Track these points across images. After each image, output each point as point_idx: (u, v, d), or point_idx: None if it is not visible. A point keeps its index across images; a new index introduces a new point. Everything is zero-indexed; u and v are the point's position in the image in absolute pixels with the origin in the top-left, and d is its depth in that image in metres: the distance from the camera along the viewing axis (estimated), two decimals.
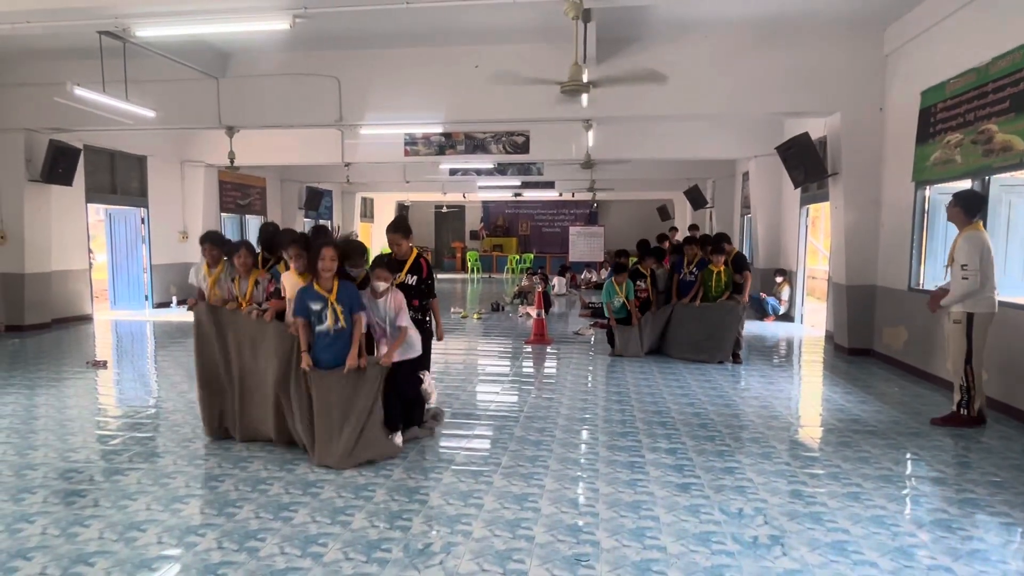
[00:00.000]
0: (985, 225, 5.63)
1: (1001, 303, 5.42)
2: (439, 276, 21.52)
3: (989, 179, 5.71)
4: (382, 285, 4.18)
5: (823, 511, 3.43)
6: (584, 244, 22.34)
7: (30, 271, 9.61)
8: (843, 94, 7.70)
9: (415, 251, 4.64)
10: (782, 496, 3.63)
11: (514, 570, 2.80)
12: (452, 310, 12.27)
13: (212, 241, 4.64)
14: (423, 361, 4.62)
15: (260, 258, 4.85)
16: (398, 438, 4.33)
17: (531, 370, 7.20)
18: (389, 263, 4.26)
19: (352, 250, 4.38)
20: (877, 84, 7.63)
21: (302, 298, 4.02)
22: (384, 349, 4.25)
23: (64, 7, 4.44)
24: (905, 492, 3.73)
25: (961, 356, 4.84)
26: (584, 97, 5.74)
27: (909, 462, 4.24)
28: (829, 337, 8.80)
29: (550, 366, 7.40)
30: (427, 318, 4.68)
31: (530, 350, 8.29)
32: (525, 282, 14.16)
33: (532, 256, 23.12)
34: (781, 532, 3.18)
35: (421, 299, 4.57)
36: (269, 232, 5.01)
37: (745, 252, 13.91)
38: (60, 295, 10.29)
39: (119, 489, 3.67)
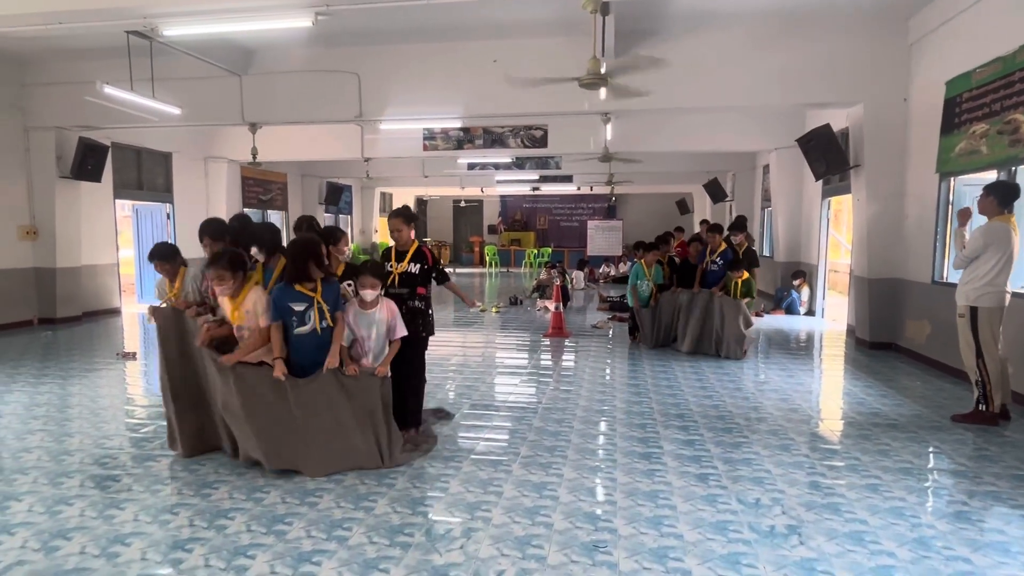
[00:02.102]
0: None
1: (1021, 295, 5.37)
2: (458, 271, 21.63)
3: (1015, 170, 5.62)
4: (369, 294, 3.88)
5: (841, 502, 3.44)
6: (602, 238, 22.31)
7: (61, 265, 9.87)
8: (866, 85, 7.60)
9: (415, 242, 4.51)
10: (800, 487, 3.64)
11: (533, 555, 2.86)
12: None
13: (161, 258, 4.21)
14: (419, 345, 4.43)
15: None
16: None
17: (549, 363, 7.25)
18: (372, 268, 3.94)
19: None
20: (901, 74, 7.52)
21: (282, 299, 3.72)
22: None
23: (95, 8, 4.57)
24: (925, 484, 3.73)
25: (971, 351, 4.79)
26: (603, 90, 5.76)
27: (929, 455, 4.22)
28: (850, 331, 8.72)
29: (568, 359, 7.44)
30: (430, 310, 4.54)
31: (548, 343, 8.34)
32: (543, 276, 14.19)
33: (550, 250, 23.10)
34: (799, 522, 3.20)
35: (427, 287, 4.47)
36: (234, 228, 4.38)
37: (765, 246, 13.83)
38: (90, 289, 10.56)
39: (152, 474, 3.81)
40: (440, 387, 5.90)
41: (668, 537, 3.04)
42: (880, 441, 4.46)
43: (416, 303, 4.42)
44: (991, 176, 5.94)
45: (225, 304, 3.85)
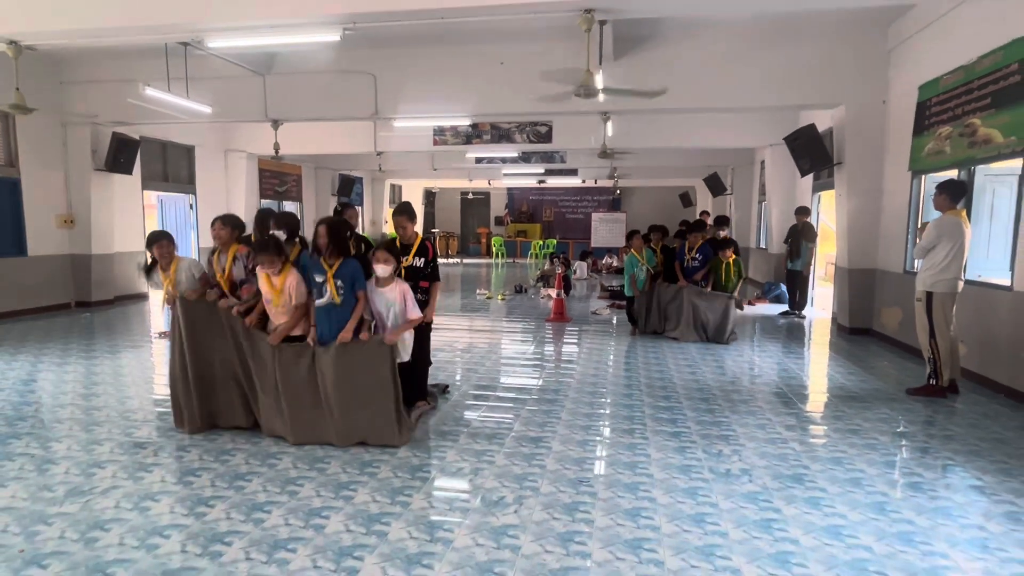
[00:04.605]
0: (970, 212, 6.16)
1: (981, 284, 5.96)
2: (464, 261, 22.27)
3: (974, 169, 6.18)
4: (382, 269, 4.15)
5: (790, 452, 4.06)
6: (606, 230, 22.88)
7: (96, 252, 10.57)
8: (848, 88, 8.14)
9: (419, 236, 4.77)
10: (758, 442, 4.26)
11: (528, 486, 3.51)
12: (478, 292, 13.01)
13: (168, 238, 4.64)
14: (423, 332, 4.64)
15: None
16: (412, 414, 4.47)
17: (549, 345, 7.88)
18: (389, 246, 4.24)
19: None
20: (881, 78, 8.05)
21: (308, 269, 4.14)
22: None
23: (150, 24, 5.18)
24: (868, 442, 4.32)
25: (925, 332, 5.37)
26: (600, 95, 6.35)
27: (878, 420, 4.81)
28: (834, 319, 9.28)
29: (566, 341, 8.06)
30: (429, 300, 4.72)
31: (549, 327, 8.96)
32: (547, 266, 14.81)
33: (555, 241, 23.67)
34: (751, 467, 3.83)
35: (429, 282, 4.69)
36: (261, 219, 4.81)
37: (761, 238, 14.38)
38: (121, 275, 11.26)
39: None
40: (449, 364, 6.54)
41: (641, 476, 3.67)
42: (837, 408, 5.08)
43: (419, 296, 4.56)
44: (954, 175, 6.51)
45: (265, 283, 4.23)
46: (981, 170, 6.20)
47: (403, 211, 4.70)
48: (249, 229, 4.92)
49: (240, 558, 2.74)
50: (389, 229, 23.85)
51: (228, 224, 4.61)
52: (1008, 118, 5.49)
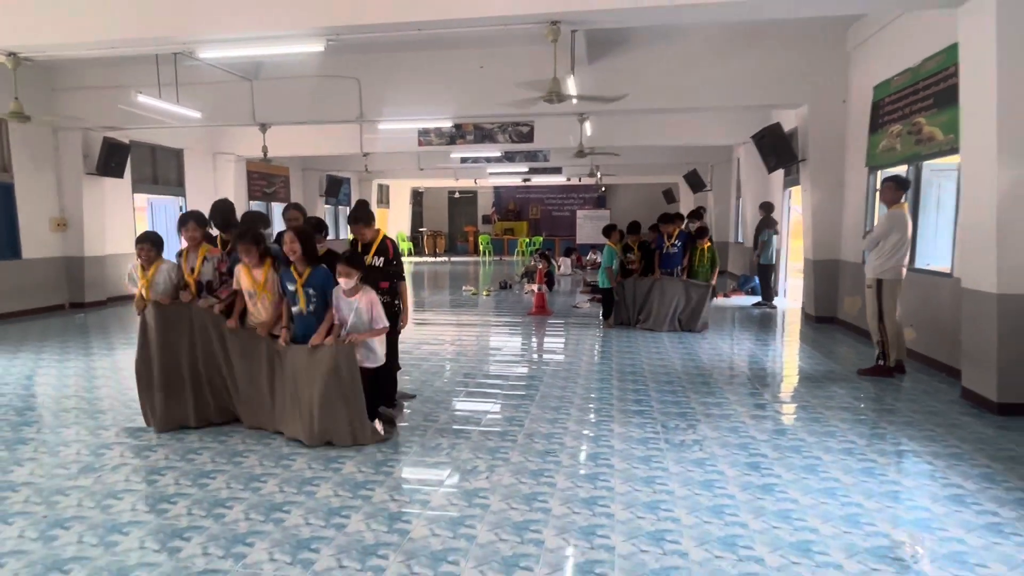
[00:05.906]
0: (918, 205, 6.62)
1: (926, 271, 6.41)
2: (452, 259, 22.60)
3: (921, 165, 6.62)
4: (345, 282, 4.07)
5: (740, 426, 4.46)
6: (591, 227, 23.28)
7: (89, 254, 10.83)
8: (810, 88, 8.57)
9: (381, 233, 4.69)
10: (714, 418, 4.66)
11: (500, 457, 3.89)
12: (464, 288, 13.37)
13: (151, 241, 4.50)
14: (392, 339, 4.57)
15: (219, 240, 4.75)
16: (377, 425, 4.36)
17: (528, 337, 8.25)
18: (350, 258, 4.10)
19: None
20: (840, 79, 8.49)
21: (283, 278, 4.23)
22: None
23: (144, 37, 5.48)
24: (813, 415, 4.73)
25: (875, 316, 5.80)
26: (573, 99, 6.73)
27: (826, 397, 5.22)
28: (803, 308, 9.72)
29: (545, 333, 8.44)
30: (396, 301, 4.68)
31: (531, 320, 9.34)
32: (531, 262, 15.19)
33: (541, 239, 24.04)
34: (703, 438, 4.23)
35: (390, 282, 4.60)
36: (222, 210, 4.77)
37: (739, 233, 14.82)
38: (113, 276, 11.51)
39: None
40: (433, 356, 6.90)
41: (603, 448, 4.06)
42: (791, 388, 5.50)
43: (383, 297, 4.41)
44: (903, 170, 6.94)
45: (246, 278, 4.30)
46: (928, 165, 6.64)
47: (357, 219, 4.62)
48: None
49: (241, 518, 3.09)
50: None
51: (201, 223, 4.56)
52: (947, 117, 5.92)
